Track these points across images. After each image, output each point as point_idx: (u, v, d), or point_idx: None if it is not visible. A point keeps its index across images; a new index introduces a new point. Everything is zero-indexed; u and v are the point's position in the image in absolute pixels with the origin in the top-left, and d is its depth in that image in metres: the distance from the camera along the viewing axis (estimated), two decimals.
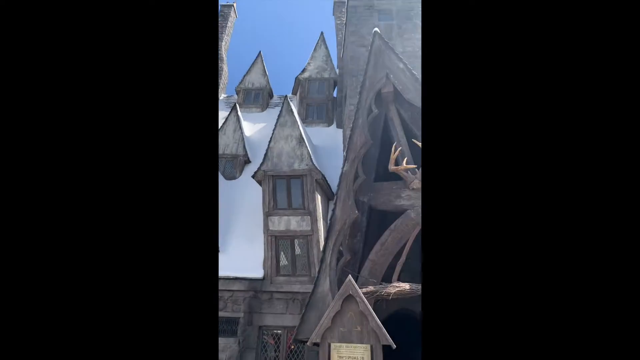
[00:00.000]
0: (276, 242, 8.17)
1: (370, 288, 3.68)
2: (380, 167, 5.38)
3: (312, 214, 8.29)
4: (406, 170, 4.74)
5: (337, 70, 11.83)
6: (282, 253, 8.04)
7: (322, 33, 11.82)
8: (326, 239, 4.36)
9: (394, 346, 3.05)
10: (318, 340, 3.07)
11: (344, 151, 5.32)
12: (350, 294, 3.24)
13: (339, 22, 12.95)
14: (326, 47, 11.58)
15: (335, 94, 11.88)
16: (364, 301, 3.18)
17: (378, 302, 3.85)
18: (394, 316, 7.42)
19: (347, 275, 3.40)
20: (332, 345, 3.08)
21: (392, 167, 4.59)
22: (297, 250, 8.20)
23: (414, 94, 5.06)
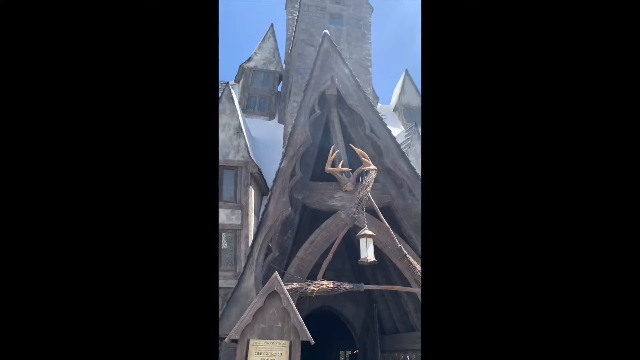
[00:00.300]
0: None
1: (295, 285, 3.71)
2: (317, 167, 5.47)
3: (243, 208, 8.05)
4: (342, 172, 4.90)
5: (284, 65, 11.69)
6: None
7: (272, 25, 11.56)
8: (255, 234, 4.28)
9: (313, 342, 3.12)
10: (237, 337, 2.99)
11: (283, 147, 5.29)
12: (274, 290, 3.22)
13: (290, 17, 12.83)
14: (275, 40, 11.37)
15: (279, 89, 11.72)
16: (287, 298, 3.19)
17: (301, 299, 3.90)
18: (315, 313, 7.62)
19: (274, 271, 3.38)
20: (251, 341, 3.02)
21: (328, 168, 4.70)
22: (224, 244, 7.87)
23: (356, 101, 5.25)
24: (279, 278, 3.29)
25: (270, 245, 4.42)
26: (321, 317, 8.83)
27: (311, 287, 3.68)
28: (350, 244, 7.62)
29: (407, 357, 5.59)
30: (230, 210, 7.98)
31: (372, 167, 4.54)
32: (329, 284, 3.74)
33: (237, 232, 7.64)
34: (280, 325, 3.11)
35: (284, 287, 3.25)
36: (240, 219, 7.87)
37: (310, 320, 8.19)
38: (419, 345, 5.33)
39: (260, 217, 4.48)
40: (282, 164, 4.70)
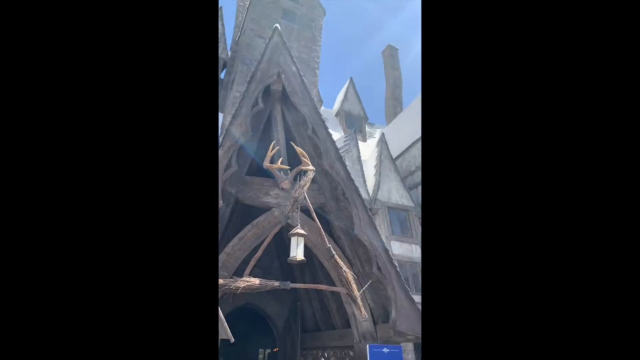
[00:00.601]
0: None
1: (220, 281, 3.55)
2: (254, 162, 5.34)
3: None
4: (280, 169, 4.85)
5: (229, 53, 11.19)
6: None
7: (221, 7, 11.00)
8: None
9: (233, 340, 3.02)
10: None
11: (220, 136, 5.03)
12: None
13: (241, 3, 12.34)
14: (222, 25, 10.83)
15: (222, 76, 11.18)
16: None
17: (224, 295, 3.75)
18: (238, 310, 7.39)
19: None
20: None
21: (267, 163, 4.62)
22: None
23: (301, 100, 5.26)
24: None
25: None
26: (244, 315, 8.63)
27: (236, 284, 3.56)
28: (281, 242, 7.60)
29: (325, 354, 5.77)
30: None
31: (311, 167, 4.58)
32: (255, 281, 3.67)
33: None
34: None
35: None
36: None
37: (232, 317, 7.93)
38: (337, 343, 5.55)
39: None
40: (218, 155, 4.48)
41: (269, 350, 14.74)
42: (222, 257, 4.32)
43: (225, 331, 2.93)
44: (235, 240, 4.51)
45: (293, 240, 4.13)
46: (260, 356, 14.86)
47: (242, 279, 3.65)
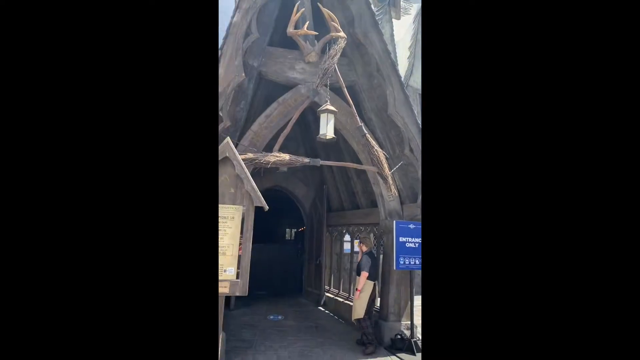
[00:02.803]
0: None
1: (250, 155, 3.49)
2: (277, 30, 4.69)
3: None
4: (305, 38, 4.25)
5: None
6: None
7: None
8: None
9: (267, 208, 3.10)
10: None
11: None
12: (226, 157, 2.98)
13: None
14: None
15: None
16: (240, 164, 2.99)
17: (256, 169, 3.75)
18: (268, 192, 7.81)
19: (225, 140, 3.06)
20: None
21: (291, 29, 4.01)
22: None
23: None
24: (232, 144, 3.01)
25: (220, 114, 3.98)
26: (273, 196, 9.15)
27: (266, 158, 3.50)
28: (306, 128, 7.42)
29: (350, 229, 6.19)
30: None
31: (342, 34, 3.96)
32: (285, 156, 3.58)
33: None
34: (233, 191, 2.98)
35: (237, 153, 3.01)
36: None
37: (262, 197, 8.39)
38: (362, 220, 5.86)
39: None
40: (235, 18, 3.89)
41: (295, 230, 16.46)
42: (249, 135, 4.20)
43: (258, 199, 2.98)
44: (261, 118, 4.30)
45: (322, 117, 3.87)
46: (287, 236, 16.71)
47: (272, 153, 3.56)
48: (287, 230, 16.68)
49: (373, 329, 4.40)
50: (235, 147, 3.51)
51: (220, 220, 2.92)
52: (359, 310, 4.25)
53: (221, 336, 3.86)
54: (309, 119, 7.20)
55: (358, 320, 4.30)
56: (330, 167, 6.99)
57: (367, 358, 4.04)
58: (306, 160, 3.78)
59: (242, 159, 3.28)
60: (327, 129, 3.72)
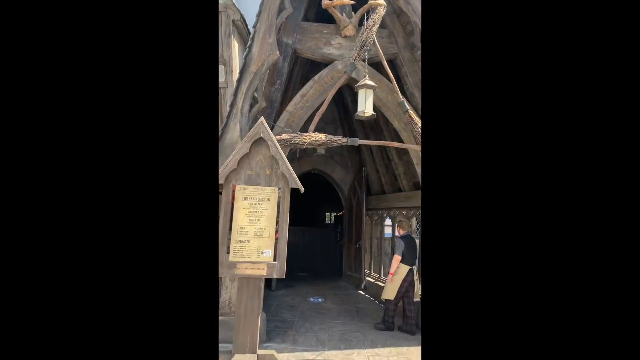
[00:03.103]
0: None
1: (285, 136, 3.39)
2: (312, 4, 4.46)
3: (226, 64, 7.16)
4: (342, 9, 3.99)
5: None
6: None
7: None
8: (238, 81, 3.70)
9: (303, 189, 2.99)
10: (222, 182, 2.80)
11: None
12: (261, 137, 2.89)
13: None
14: None
15: None
16: (275, 145, 2.89)
17: (292, 150, 3.65)
18: (305, 175, 7.75)
19: (259, 120, 2.98)
20: (238, 187, 2.86)
21: (325, 1, 3.77)
22: None
23: None
24: (266, 124, 2.92)
25: (255, 95, 3.90)
26: (312, 180, 9.12)
27: (302, 139, 3.37)
28: (344, 110, 7.18)
29: (391, 213, 5.94)
30: None
31: (381, 1, 3.64)
32: (322, 136, 3.43)
33: (221, 90, 6.98)
34: (268, 172, 2.91)
35: (271, 134, 2.91)
36: (223, 77, 7.09)
37: (300, 182, 8.36)
38: (404, 204, 5.58)
39: (242, 61, 3.81)
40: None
41: (334, 214, 16.45)
42: (284, 116, 4.10)
43: (294, 180, 2.88)
44: (297, 97, 4.16)
45: (361, 93, 3.63)
46: (327, 220, 16.75)
47: (307, 134, 3.43)
48: (327, 214, 16.73)
49: (415, 314, 4.22)
50: (271, 130, 3.43)
51: (256, 202, 2.87)
52: (389, 292, 4.29)
53: (261, 316, 3.91)
54: (347, 100, 6.94)
55: (386, 300, 4.36)
56: (369, 148, 6.73)
57: (411, 345, 3.88)
58: (343, 140, 3.59)
59: (277, 140, 3.18)
60: (365, 105, 3.49)
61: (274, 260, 2.84)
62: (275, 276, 2.82)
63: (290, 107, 4.12)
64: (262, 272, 2.80)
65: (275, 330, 4.28)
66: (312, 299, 5.97)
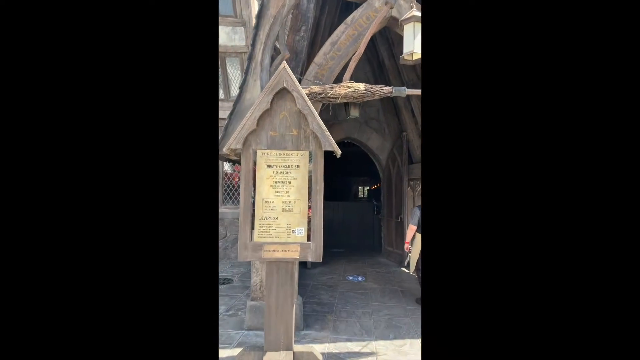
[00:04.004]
0: (222, 60, 6.55)
1: (314, 88, 2.75)
2: None
3: (246, 24, 6.51)
4: None
5: None
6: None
7: None
8: (256, 27, 3.06)
9: (339, 153, 2.39)
10: (239, 147, 2.27)
11: None
12: (284, 88, 2.29)
13: None
14: None
15: None
16: (302, 96, 2.28)
17: (323, 106, 3.03)
18: (338, 145, 7.12)
19: (281, 66, 2.36)
20: (260, 152, 2.32)
21: None
22: (229, 72, 6.77)
23: None
24: (289, 71, 2.30)
25: (277, 45, 3.26)
26: (343, 151, 8.44)
27: (335, 90, 2.72)
28: (379, 67, 6.34)
29: None
30: (230, 27, 6.48)
31: None
32: (359, 86, 2.75)
33: (242, 55, 6.40)
34: (295, 132, 2.33)
35: (297, 84, 2.30)
36: (244, 39, 6.47)
37: (327, 153, 7.70)
38: None
39: (259, 2, 3.15)
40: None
41: (367, 188, 15.75)
42: (312, 69, 3.44)
43: (328, 141, 2.28)
44: (326, 46, 3.47)
45: (407, 29, 2.86)
46: (360, 194, 16.08)
47: (342, 84, 2.76)
48: (360, 188, 16.06)
49: None
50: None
51: (282, 170, 2.32)
52: (412, 265, 4.28)
53: (297, 300, 3.47)
54: (382, 56, 6.09)
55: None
56: (410, 109, 5.91)
57: None
58: (387, 90, 2.89)
59: (306, 93, 2.56)
60: (414, 45, 2.74)
61: (308, 240, 2.31)
62: (310, 259, 2.30)
63: (318, 59, 3.45)
64: (295, 254, 2.29)
65: (313, 314, 3.85)
66: (351, 278, 5.50)
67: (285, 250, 2.29)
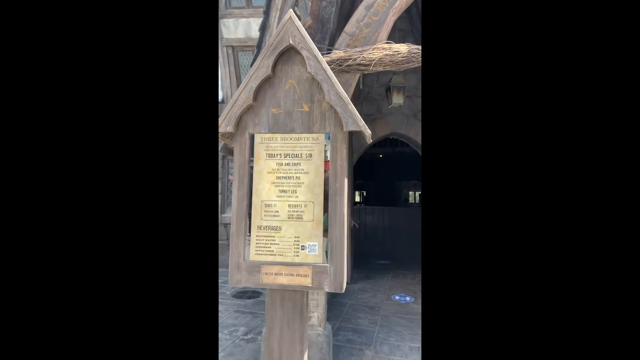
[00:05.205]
0: (235, 54, 6.25)
1: (339, 53, 2.07)
2: None
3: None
4: None
5: None
6: (243, 69, 6.26)
7: None
8: None
9: (369, 134, 1.66)
10: (230, 129, 1.66)
11: None
12: (291, 46, 1.64)
13: None
14: None
15: None
16: (315, 56, 1.61)
17: (350, 79, 2.32)
18: (382, 143, 6.26)
19: (286, 16, 1.71)
20: (259, 136, 1.69)
21: None
22: None
23: None
24: (298, 24, 1.65)
25: (296, 11, 2.64)
26: (390, 151, 7.61)
27: (367, 55, 2.00)
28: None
29: None
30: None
31: None
32: (401, 47, 1.99)
33: None
34: (306, 108, 1.66)
35: (308, 39, 1.63)
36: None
37: (375, 153, 6.93)
38: None
39: None
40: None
41: (419, 192, 14.43)
42: (343, 39, 2.75)
43: (352, 118, 1.57)
44: (360, 11, 2.77)
45: None
46: (411, 199, 14.81)
47: (376, 46, 2.03)
48: (411, 193, 14.80)
49: None
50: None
51: (289, 161, 1.66)
52: None
53: (325, 329, 2.77)
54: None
55: None
56: None
57: None
58: None
59: (328, 61, 1.89)
60: None
61: (325, 261, 1.62)
62: (327, 289, 1.60)
63: (350, 27, 2.76)
64: (305, 281, 1.61)
65: (347, 346, 3.12)
66: (397, 297, 4.65)
67: (292, 275, 1.62)
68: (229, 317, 3.78)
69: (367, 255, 6.95)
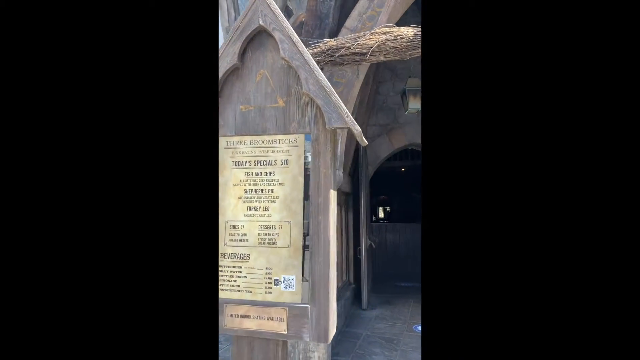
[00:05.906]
0: None
1: (330, 42, 1.73)
2: None
3: None
4: None
5: None
6: None
7: None
8: None
9: (359, 130, 1.29)
10: None
11: None
12: (262, 28, 1.32)
13: None
14: None
15: None
16: (291, 38, 1.28)
17: (343, 67, 1.96)
18: (400, 155, 5.81)
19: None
20: (223, 140, 1.36)
21: None
22: None
23: None
24: (270, 1, 1.34)
25: (289, 5, 2.36)
26: (410, 164, 7.14)
27: (363, 42, 1.65)
28: None
29: None
30: None
31: None
32: (405, 30, 1.63)
33: None
34: (281, 102, 1.33)
35: (284, 20, 1.31)
36: None
37: (392, 165, 6.46)
38: None
39: None
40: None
41: None
42: (344, 36, 2.43)
43: (339, 113, 1.21)
44: (362, 3, 2.44)
45: None
46: None
47: (374, 30, 1.68)
48: None
49: None
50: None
51: (260, 169, 1.32)
52: None
53: None
54: None
55: None
56: None
57: None
58: None
59: (313, 53, 1.56)
60: None
61: (304, 301, 1.23)
62: (307, 338, 1.21)
63: (351, 21, 2.43)
64: (278, 327, 1.22)
65: None
66: (420, 328, 4.09)
67: (262, 318, 1.24)
68: None
69: (388, 276, 6.40)
